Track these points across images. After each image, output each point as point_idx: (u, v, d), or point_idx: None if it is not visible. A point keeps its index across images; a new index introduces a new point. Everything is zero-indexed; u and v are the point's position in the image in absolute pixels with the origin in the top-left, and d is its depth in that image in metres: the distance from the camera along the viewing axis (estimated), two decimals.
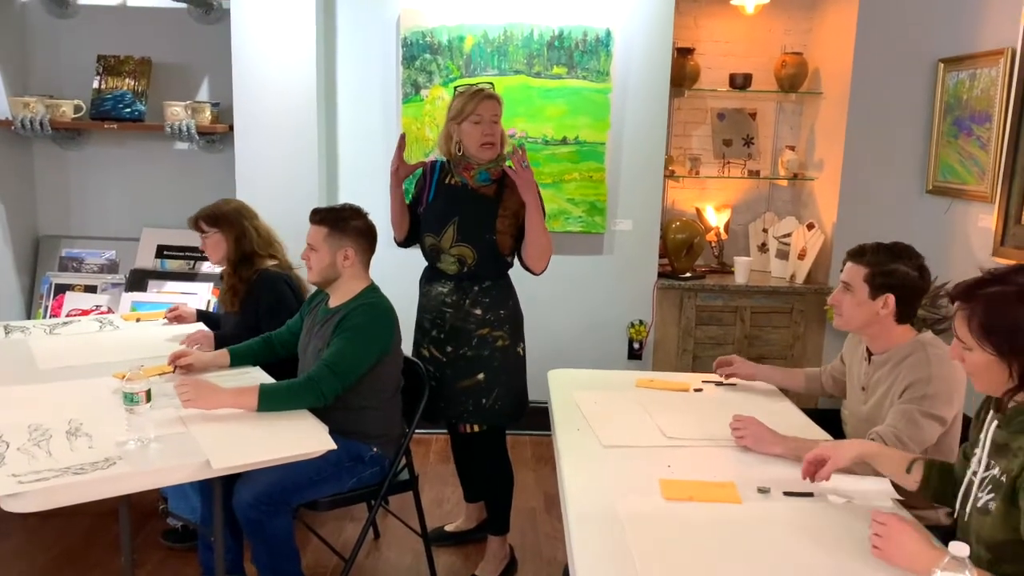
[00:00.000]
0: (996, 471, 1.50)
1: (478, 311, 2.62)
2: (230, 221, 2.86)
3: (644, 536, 1.59)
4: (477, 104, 2.55)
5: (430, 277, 2.74)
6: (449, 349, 2.66)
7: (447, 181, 2.67)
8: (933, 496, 1.75)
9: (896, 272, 2.06)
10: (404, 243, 2.79)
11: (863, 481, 1.85)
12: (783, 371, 2.56)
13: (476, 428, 2.71)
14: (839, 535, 1.62)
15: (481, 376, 2.65)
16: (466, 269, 2.62)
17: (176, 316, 3.12)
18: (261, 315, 2.81)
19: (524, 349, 2.76)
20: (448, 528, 3.08)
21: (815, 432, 2.21)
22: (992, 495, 1.49)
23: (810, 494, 1.79)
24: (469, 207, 2.61)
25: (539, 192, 2.55)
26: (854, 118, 3.95)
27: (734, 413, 2.14)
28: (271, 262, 2.90)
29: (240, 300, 2.86)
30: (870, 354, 2.19)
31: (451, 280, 2.66)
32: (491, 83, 2.66)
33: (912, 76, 3.87)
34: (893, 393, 2.07)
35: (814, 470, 1.79)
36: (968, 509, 1.57)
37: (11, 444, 1.90)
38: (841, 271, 2.18)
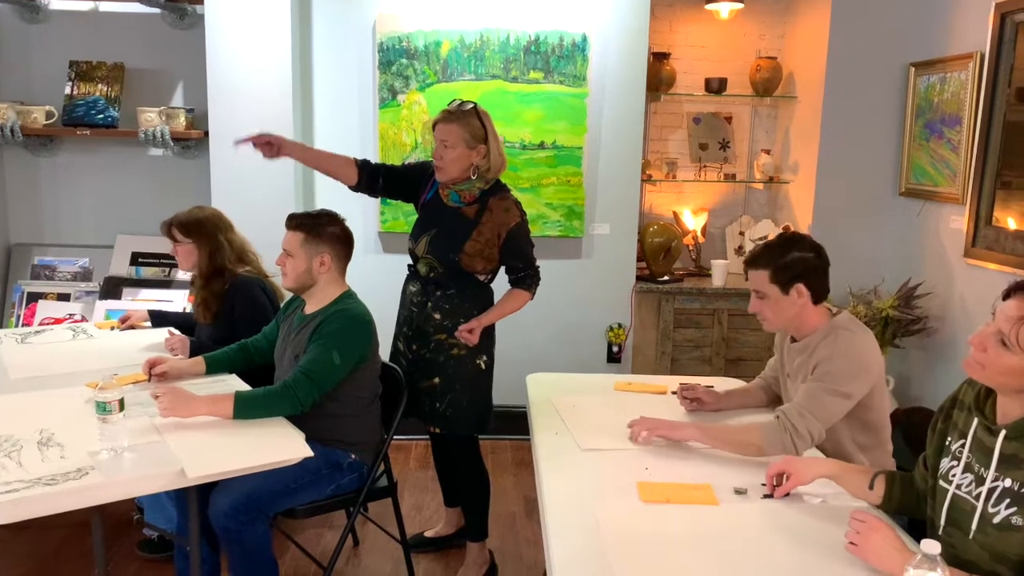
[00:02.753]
0: (1009, 483, 1.44)
1: (437, 315, 2.64)
2: (205, 233, 2.82)
3: (622, 538, 1.60)
4: (433, 128, 2.61)
5: (409, 275, 2.78)
6: (414, 347, 2.70)
7: (441, 191, 2.67)
8: (897, 509, 1.76)
9: (794, 262, 2.12)
10: (360, 188, 2.74)
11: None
12: (743, 392, 2.48)
13: (437, 430, 2.71)
14: (815, 535, 1.64)
15: (436, 380, 2.66)
16: (433, 275, 2.65)
17: (128, 326, 3.12)
18: (236, 321, 2.78)
19: (488, 363, 2.71)
20: (428, 534, 3.07)
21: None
22: (1014, 509, 1.42)
23: (786, 494, 1.81)
24: (446, 223, 2.62)
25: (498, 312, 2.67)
26: (828, 122, 4.00)
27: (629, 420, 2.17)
28: (243, 268, 2.88)
29: (214, 312, 2.83)
30: (793, 341, 2.25)
31: (420, 281, 2.69)
32: (471, 102, 2.61)
33: (884, 80, 3.92)
34: (806, 375, 2.12)
35: (777, 483, 1.79)
36: (973, 525, 1.49)
37: None
38: (746, 280, 2.23)
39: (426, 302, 2.65)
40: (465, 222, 2.60)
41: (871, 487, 1.76)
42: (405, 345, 2.73)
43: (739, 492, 1.81)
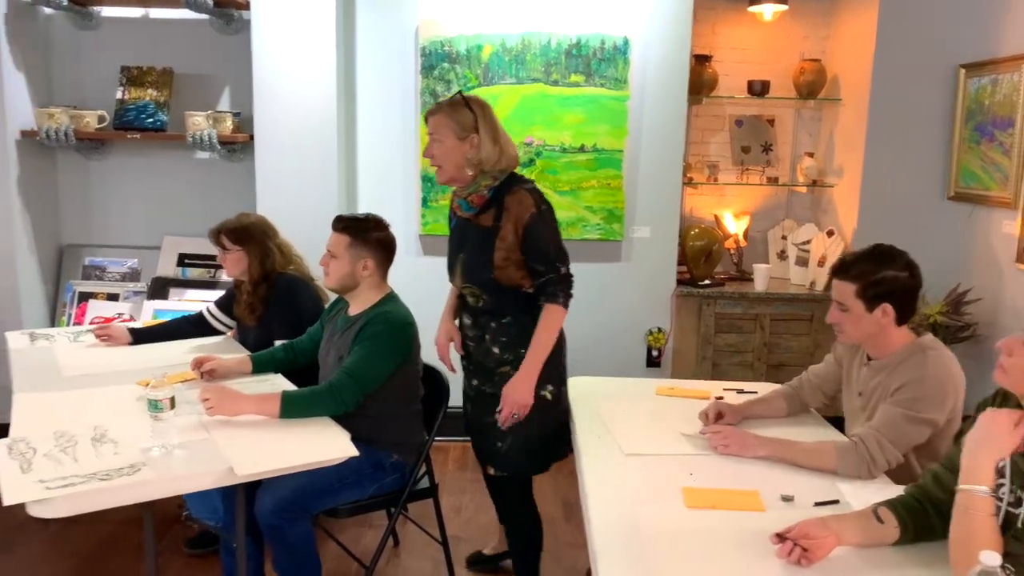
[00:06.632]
0: None
1: (496, 350, 2.44)
2: (255, 240, 2.88)
3: (667, 545, 1.59)
4: (426, 123, 2.43)
5: (460, 305, 2.58)
6: (475, 383, 2.54)
7: (454, 206, 2.52)
8: (915, 538, 1.58)
9: (885, 280, 2.00)
10: None
11: (887, 488, 1.83)
12: (762, 403, 2.35)
13: (492, 471, 2.53)
14: None
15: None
16: (481, 304, 2.45)
17: (105, 335, 2.94)
18: (273, 319, 2.84)
19: (556, 391, 2.45)
20: (486, 552, 2.93)
21: (833, 435, 2.19)
22: None
23: (835, 501, 1.78)
24: (471, 243, 2.41)
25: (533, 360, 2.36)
26: (874, 124, 3.93)
27: (710, 426, 2.17)
28: (289, 269, 2.93)
29: (259, 314, 2.88)
30: (869, 359, 2.14)
31: (472, 313, 2.50)
32: (460, 92, 2.44)
33: (932, 82, 3.85)
34: (885, 395, 2.03)
35: (793, 555, 1.52)
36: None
37: (38, 450, 1.92)
38: (827, 288, 2.12)
39: (482, 336, 2.46)
40: (486, 232, 2.36)
41: (880, 520, 1.58)
42: (468, 381, 2.58)
43: (786, 499, 1.79)
